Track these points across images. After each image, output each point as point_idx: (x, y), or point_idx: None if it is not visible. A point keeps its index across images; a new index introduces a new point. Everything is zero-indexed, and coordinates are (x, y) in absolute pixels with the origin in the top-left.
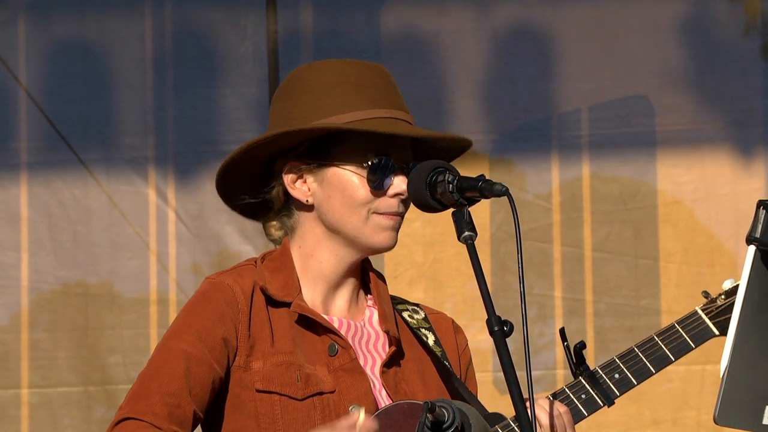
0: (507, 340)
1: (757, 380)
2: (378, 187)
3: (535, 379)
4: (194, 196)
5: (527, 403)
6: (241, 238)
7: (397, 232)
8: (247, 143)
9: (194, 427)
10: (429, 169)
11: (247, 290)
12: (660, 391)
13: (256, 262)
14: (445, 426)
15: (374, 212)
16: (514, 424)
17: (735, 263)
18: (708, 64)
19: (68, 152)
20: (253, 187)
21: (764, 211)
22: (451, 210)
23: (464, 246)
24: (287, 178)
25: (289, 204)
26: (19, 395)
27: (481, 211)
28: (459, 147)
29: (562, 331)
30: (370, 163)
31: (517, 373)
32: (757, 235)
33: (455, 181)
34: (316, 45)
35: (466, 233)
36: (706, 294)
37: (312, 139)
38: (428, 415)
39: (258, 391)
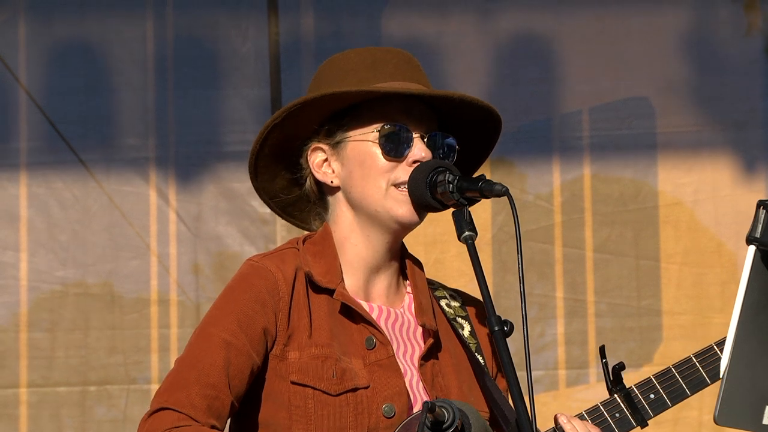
0: (508, 340)
1: (757, 380)
2: (394, 154)
3: (536, 379)
4: (195, 197)
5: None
6: (242, 239)
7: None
8: (261, 129)
9: (230, 417)
10: (429, 169)
11: (289, 277)
12: None
13: (297, 245)
14: (445, 426)
15: (393, 184)
16: None
17: (735, 264)
18: (709, 66)
19: (68, 152)
20: (288, 184)
21: (764, 211)
22: (452, 210)
23: (466, 246)
24: (312, 163)
25: (323, 193)
26: (17, 394)
27: (482, 212)
28: (489, 119)
29: (601, 349)
30: (381, 128)
31: (518, 373)
32: (757, 235)
33: (455, 181)
34: (317, 46)
35: (466, 233)
36: None
37: (330, 119)
38: (428, 415)
39: (293, 383)
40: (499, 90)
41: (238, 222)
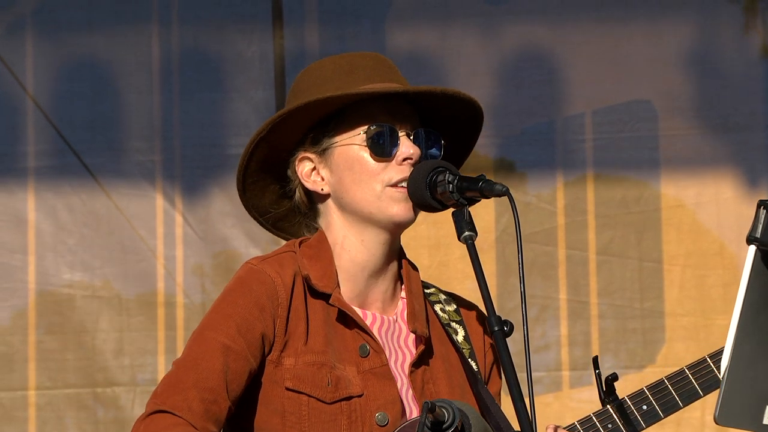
0: (509, 340)
1: (757, 380)
2: (383, 155)
3: (539, 379)
4: (201, 200)
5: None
6: (247, 241)
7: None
8: (248, 144)
9: (226, 420)
10: (429, 169)
11: (288, 282)
12: None
13: (294, 247)
14: (445, 426)
15: (388, 185)
16: None
17: (737, 266)
18: (710, 69)
19: (75, 156)
20: (278, 197)
21: (764, 211)
22: (452, 210)
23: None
24: (300, 173)
25: (313, 202)
26: (26, 397)
27: (485, 214)
28: (471, 113)
29: (595, 360)
30: (367, 130)
31: (519, 373)
32: (758, 235)
33: (455, 181)
34: (321, 49)
35: (466, 233)
36: None
37: (314, 128)
38: (428, 415)
39: (287, 389)
40: (503, 93)
41: (244, 224)
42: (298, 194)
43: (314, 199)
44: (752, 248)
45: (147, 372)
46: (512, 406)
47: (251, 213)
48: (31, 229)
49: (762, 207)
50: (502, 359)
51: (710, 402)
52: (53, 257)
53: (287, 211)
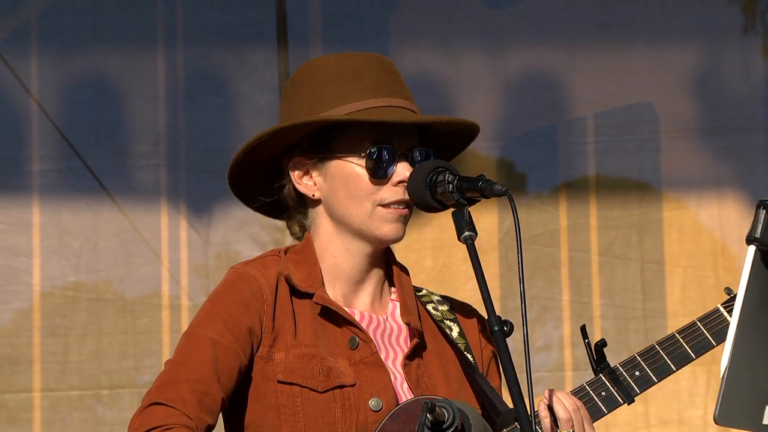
0: (511, 340)
1: (757, 380)
2: (379, 176)
3: (542, 380)
4: (205, 203)
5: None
6: (251, 245)
7: (405, 223)
8: (246, 143)
9: (221, 413)
10: (429, 169)
11: (272, 281)
12: (667, 390)
13: (279, 254)
14: (445, 426)
15: (379, 204)
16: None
17: (739, 266)
18: (711, 71)
19: (80, 160)
20: (266, 187)
21: (764, 211)
22: (452, 210)
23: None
24: (294, 175)
25: (303, 201)
26: (31, 399)
27: (489, 217)
28: (467, 131)
29: (583, 329)
30: (368, 152)
31: (519, 374)
32: (757, 235)
33: (455, 181)
34: (326, 52)
35: (466, 233)
36: (728, 291)
37: (313, 134)
38: (428, 415)
39: (279, 382)
40: (505, 96)
41: (249, 228)
42: (288, 192)
43: (306, 201)
44: (752, 248)
45: (151, 374)
46: (512, 406)
47: (239, 197)
48: (35, 232)
49: (761, 207)
50: (502, 359)
51: (713, 401)
52: (57, 260)
53: (275, 203)
